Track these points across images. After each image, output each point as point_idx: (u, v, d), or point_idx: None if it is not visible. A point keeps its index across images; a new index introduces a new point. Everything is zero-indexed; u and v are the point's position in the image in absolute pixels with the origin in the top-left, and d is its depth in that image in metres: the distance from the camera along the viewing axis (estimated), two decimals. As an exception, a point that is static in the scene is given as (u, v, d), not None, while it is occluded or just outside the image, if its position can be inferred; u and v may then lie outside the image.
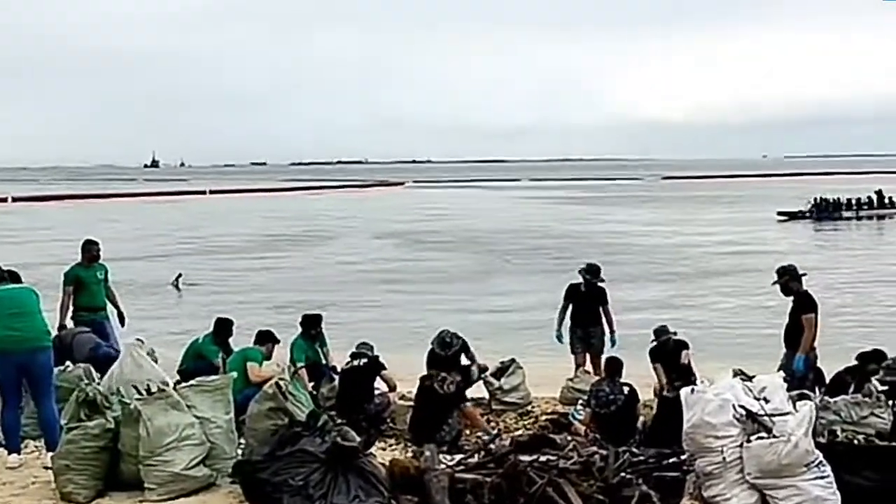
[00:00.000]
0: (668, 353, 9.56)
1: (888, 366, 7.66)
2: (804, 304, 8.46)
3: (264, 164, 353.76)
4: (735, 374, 6.32)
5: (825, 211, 44.40)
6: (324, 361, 9.79)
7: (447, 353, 9.34)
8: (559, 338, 10.38)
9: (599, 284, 10.31)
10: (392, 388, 9.00)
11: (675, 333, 9.77)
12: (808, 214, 43.86)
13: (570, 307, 10.30)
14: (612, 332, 10.24)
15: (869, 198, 46.31)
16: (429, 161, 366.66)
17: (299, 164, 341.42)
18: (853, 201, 45.58)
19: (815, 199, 45.06)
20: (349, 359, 9.13)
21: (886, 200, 46.69)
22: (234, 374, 7.36)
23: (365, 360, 8.88)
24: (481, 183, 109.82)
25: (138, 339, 7.74)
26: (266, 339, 9.17)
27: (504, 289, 22.90)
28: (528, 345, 15.45)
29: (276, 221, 47.47)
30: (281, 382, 6.37)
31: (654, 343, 9.72)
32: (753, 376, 6.62)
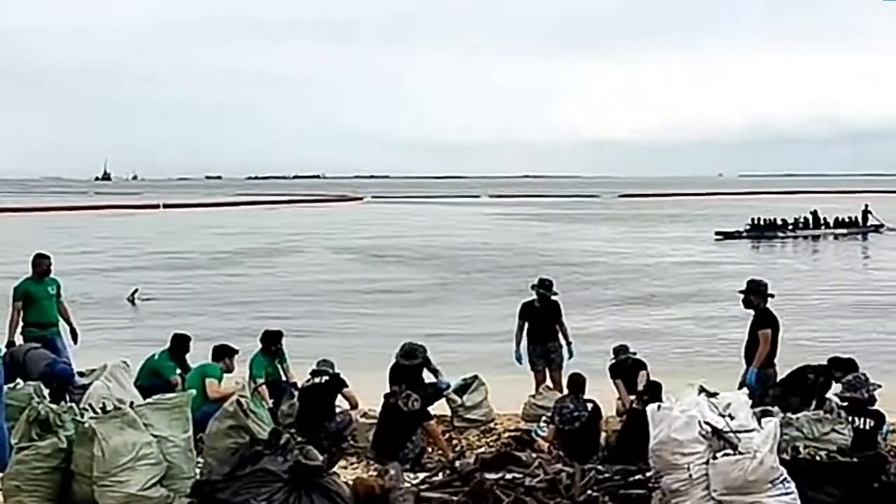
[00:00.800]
0: (627, 371, 9.61)
1: (848, 382, 7.76)
2: (762, 320, 8.57)
3: (219, 177, 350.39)
4: (700, 391, 6.37)
5: (762, 231, 44.75)
6: (284, 378, 9.67)
7: (412, 363, 9.25)
8: (518, 358, 10.35)
9: (553, 298, 10.33)
10: (353, 406, 8.91)
11: (634, 353, 9.82)
12: (744, 234, 44.28)
13: (526, 325, 10.29)
14: (568, 343, 10.28)
15: (805, 218, 46.86)
16: (387, 176, 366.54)
17: (255, 178, 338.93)
18: (789, 221, 46.06)
19: (753, 220, 45.60)
20: (310, 376, 9.02)
21: (821, 220, 47.33)
22: (193, 391, 7.20)
23: (326, 378, 8.77)
24: (441, 199, 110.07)
25: (124, 362, 7.59)
26: (223, 353, 9.02)
27: (465, 305, 22.89)
28: (490, 361, 15.47)
29: (233, 236, 47.00)
30: (242, 400, 6.26)
31: (613, 361, 9.76)
32: (718, 393, 6.68)
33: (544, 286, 10.32)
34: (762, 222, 45.73)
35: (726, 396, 6.41)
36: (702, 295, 24.20)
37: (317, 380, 8.78)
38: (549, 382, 10.19)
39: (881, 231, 48.38)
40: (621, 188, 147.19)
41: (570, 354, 10.24)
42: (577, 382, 8.54)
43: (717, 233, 44.62)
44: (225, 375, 8.80)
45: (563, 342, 10.28)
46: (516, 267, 31.03)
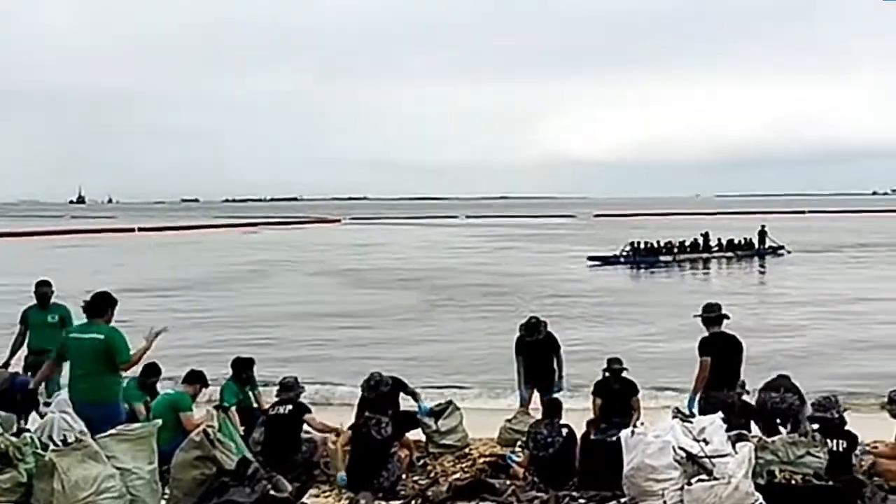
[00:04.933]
0: (612, 392, 9.47)
1: (818, 403, 7.71)
2: (699, 347, 8.48)
3: (196, 200, 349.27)
4: (675, 415, 6.31)
5: (641, 255, 42.53)
6: (255, 405, 9.50)
7: (374, 396, 9.08)
8: (522, 399, 10.09)
9: (548, 332, 10.11)
10: (319, 430, 8.69)
11: (626, 369, 9.67)
12: (622, 259, 42.13)
13: (522, 360, 10.14)
14: (559, 377, 10.04)
15: (694, 240, 44.53)
16: (365, 198, 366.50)
17: (232, 200, 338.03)
18: (673, 245, 43.65)
19: (632, 243, 43.30)
20: (273, 405, 8.81)
21: (713, 243, 45.10)
22: (159, 421, 7.02)
23: (290, 408, 8.54)
24: (419, 220, 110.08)
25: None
26: (195, 379, 8.76)
27: (443, 328, 22.75)
28: (466, 385, 15.38)
29: (210, 259, 46.64)
30: (209, 430, 6.12)
31: (601, 378, 9.62)
32: (694, 416, 6.63)
33: (529, 328, 10.00)
34: (644, 246, 43.30)
35: (701, 420, 6.36)
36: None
37: (281, 409, 8.59)
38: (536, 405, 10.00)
39: (781, 254, 46.20)
40: (597, 208, 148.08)
41: (560, 388, 10.08)
42: (554, 407, 8.42)
43: (591, 258, 42.34)
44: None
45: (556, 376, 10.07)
46: (499, 286, 31.04)
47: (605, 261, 41.74)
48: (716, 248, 45.23)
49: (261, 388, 9.86)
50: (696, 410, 8.08)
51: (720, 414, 6.82)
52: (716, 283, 36.29)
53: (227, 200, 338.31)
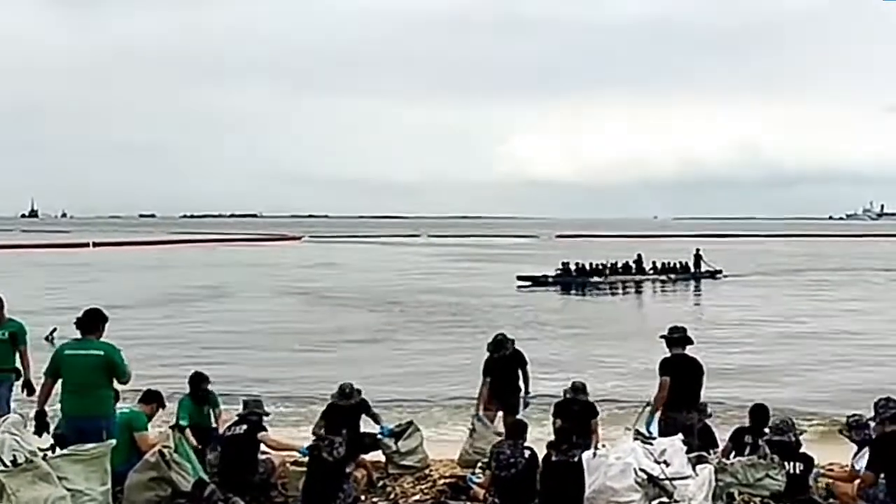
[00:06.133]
0: (572, 414, 9.48)
1: (775, 426, 7.80)
2: (660, 367, 8.56)
3: (153, 216, 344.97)
4: (635, 437, 6.34)
5: (571, 276, 42.23)
6: (213, 424, 9.28)
7: (349, 403, 9.02)
8: (479, 418, 9.91)
9: (516, 350, 10.07)
10: (274, 449, 8.57)
11: (587, 395, 9.69)
12: (551, 280, 41.64)
13: (490, 380, 10.05)
14: (526, 392, 10.01)
15: (626, 263, 44.09)
16: (326, 216, 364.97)
17: (190, 216, 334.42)
18: (605, 266, 43.35)
19: (563, 264, 42.94)
20: (229, 425, 8.66)
21: (647, 266, 44.86)
22: (113, 441, 6.87)
23: (245, 427, 8.41)
24: (380, 238, 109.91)
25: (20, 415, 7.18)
26: (152, 399, 8.56)
27: (405, 348, 22.66)
28: (427, 405, 15.33)
29: (166, 276, 46.01)
30: (164, 450, 6.01)
31: (562, 399, 9.62)
32: (654, 438, 6.67)
33: (497, 345, 9.99)
34: (575, 266, 42.81)
35: (662, 442, 6.40)
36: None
37: (236, 429, 8.45)
38: (499, 426, 9.96)
39: (717, 277, 46.13)
40: (559, 229, 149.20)
41: (526, 405, 10.06)
42: (517, 428, 8.35)
43: (520, 277, 41.60)
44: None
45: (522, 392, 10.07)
46: (461, 306, 31.06)
47: (535, 281, 41.24)
48: (650, 271, 45.12)
49: (223, 407, 9.62)
50: (654, 430, 8.14)
51: (680, 436, 6.87)
52: (648, 304, 36.67)
53: (185, 216, 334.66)
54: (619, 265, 44.19)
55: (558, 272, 42.49)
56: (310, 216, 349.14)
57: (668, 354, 8.50)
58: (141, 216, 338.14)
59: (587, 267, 43.39)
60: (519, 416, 8.90)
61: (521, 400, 10.04)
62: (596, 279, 42.46)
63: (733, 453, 7.92)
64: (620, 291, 40.75)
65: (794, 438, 7.62)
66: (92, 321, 7.49)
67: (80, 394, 7.17)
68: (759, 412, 8.29)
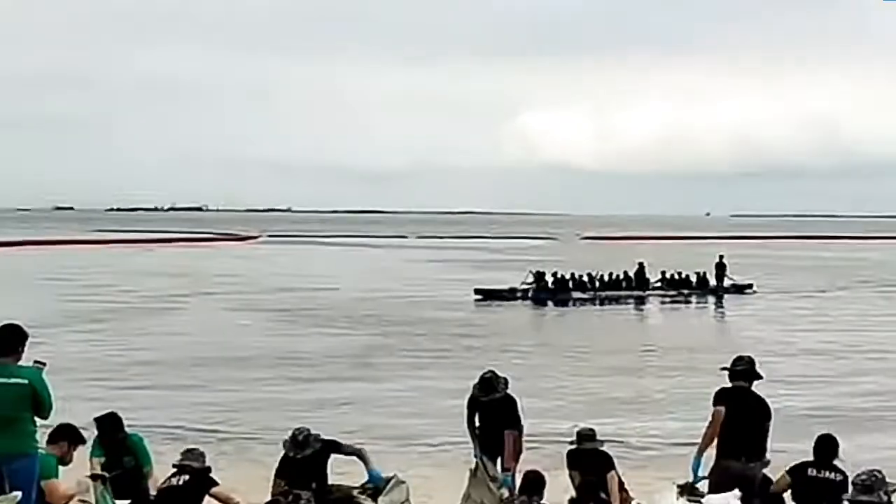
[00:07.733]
0: (586, 465, 9.58)
1: (861, 482, 7.82)
2: (714, 397, 8.69)
3: (71, 209, 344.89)
4: (681, 493, 6.40)
5: (546, 290, 41.47)
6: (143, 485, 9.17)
7: (304, 455, 9.00)
8: (480, 457, 9.98)
9: (506, 394, 9.97)
10: None
11: (601, 443, 9.82)
12: (518, 294, 41.02)
13: (475, 425, 10.10)
14: (505, 469, 9.81)
15: (626, 273, 43.27)
16: (289, 210, 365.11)
17: (118, 209, 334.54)
18: (594, 277, 42.59)
19: (538, 273, 42.21)
20: (168, 476, 8.65)
21: (653, 278, 43.70)
22: (19, 494, 6.90)
23: (186, 478, 8.38)
24: (355, 238, 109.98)
25: None
26: (63, 436, 8.18)
27: (388, 381, 22.62)
28: (413, 454, 15.40)
29: (90, 286, 46.04)
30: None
31: (573, 447, 9.72)
32: (703, 495, 6.74)
33: (483, 387, 9.95)
34: (554, 277, 42.04)
35: (713, 499, 6.48)
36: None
37: (175, 480, 8.41)
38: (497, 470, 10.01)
39: (746, 292, 44.46)
40: (584, 228, 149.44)
41: (506, 483, 9.69)
42: (534, 482, 8.33)
43: (477, 290, 40.93)
44: (61, 469, 8.18)
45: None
46: (461, 327, 31.16)
47: (495, 295, 40.42)
48: (656, 284, 43.67)
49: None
50: (701, 473, 8.19)
51: (737, 492, 6.94)
52: (641, 325, 36.75)
53: (112, 209, 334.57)
54: (615, 276, 43.01)
55: (529, 284, 41.57)
56: (269, 210, 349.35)
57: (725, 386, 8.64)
58: (56, 209, 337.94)
59: (567, 278, 42.30)
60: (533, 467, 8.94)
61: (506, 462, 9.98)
62: (580, 294, 41.53)
63: (791, 491, 7.97)
64: (613, 309, 40.06)
65: (885, 498, 7.66)
66: (8, 341, 7.32)
67: (1, 430, 7.11)
68: (825, 443, 8.37)
